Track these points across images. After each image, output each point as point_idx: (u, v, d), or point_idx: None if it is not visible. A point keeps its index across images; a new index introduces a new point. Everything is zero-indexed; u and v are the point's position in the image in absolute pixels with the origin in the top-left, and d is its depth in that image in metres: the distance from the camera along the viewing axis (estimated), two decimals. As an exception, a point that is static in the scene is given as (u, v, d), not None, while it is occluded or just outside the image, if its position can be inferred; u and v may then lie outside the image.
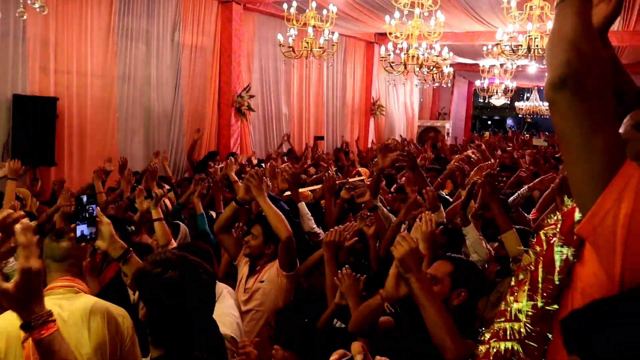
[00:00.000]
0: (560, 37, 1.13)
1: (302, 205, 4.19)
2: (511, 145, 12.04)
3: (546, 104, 18.31)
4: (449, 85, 13.25)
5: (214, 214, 4.76)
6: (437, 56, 8.39)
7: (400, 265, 1.99)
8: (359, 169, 7.68)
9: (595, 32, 1.17)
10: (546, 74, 1.19)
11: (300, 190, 5.60)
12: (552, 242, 1.34)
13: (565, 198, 1.42)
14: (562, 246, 1.29)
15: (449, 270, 2.25)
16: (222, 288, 2.79)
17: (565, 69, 1.11)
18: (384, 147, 4.35)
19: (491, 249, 3.65)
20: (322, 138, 11.41)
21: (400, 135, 15.83)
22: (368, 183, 4.70)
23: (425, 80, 10.88)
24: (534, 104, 20.10)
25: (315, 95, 12.32)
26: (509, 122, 46.90)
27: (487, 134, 13.61)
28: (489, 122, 47.18)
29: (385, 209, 4.17)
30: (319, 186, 5.56)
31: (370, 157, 10.15)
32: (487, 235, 3.74)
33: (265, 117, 10.62)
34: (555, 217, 1.39)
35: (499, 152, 10.55)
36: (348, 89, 13.53)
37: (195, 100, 8.88)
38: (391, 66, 7.68)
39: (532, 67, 11.85)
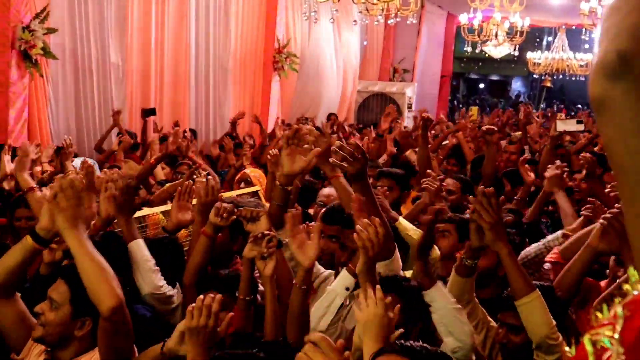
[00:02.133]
0: None
1: (137, 245, 4.23)
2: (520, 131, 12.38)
3: (580, 57, 19.29)
4: (414, 20, 13.42)
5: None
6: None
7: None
8: (249, 170, 7.74)
9: None
10: (595, 50, 1.15)
11: (145, 212, 5.49)
12: (605, 358, 1.29)
13: (631, 270, 1.38)
14: None
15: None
16: None
17: (632, 42, 1.06)
18: (294, 134, 4.38)
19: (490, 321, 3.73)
20: (152, 112, 11.30)
21: (334, 116, 15.92)
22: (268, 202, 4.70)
23: (368, 11, 10.94)
24: (560, 55, 20.75)
25: (174, 38, 12.36)
26: (516, 86, 48.44)
27: (473, 110, 13.87)
28: (481, 86, 48.41)
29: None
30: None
31: (273, 149, 10.16)
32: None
33: (78, 71, 10.48)
34: (611, 311, 1.34)
35: (504, 144, 10.79)
36: (233, 26, 13.64)
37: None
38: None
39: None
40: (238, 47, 13.92)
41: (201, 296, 3.08)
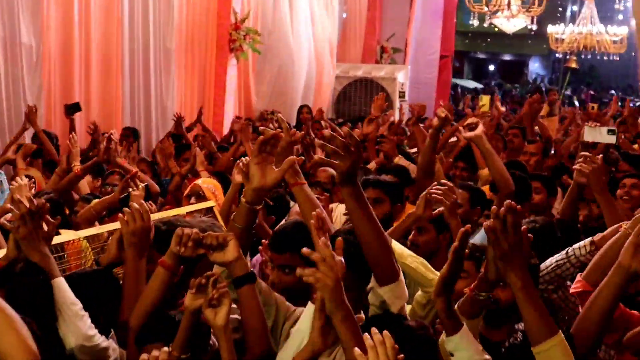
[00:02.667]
0: None
1: (58, 285, 4.14)
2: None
3: (613, 31, 19.52)
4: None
5: None
6: None
7: None
8: (201, 180, 7.74)
9: None
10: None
11: (64, 238, 5.39)
12: None
13: None
14: None
15: None
16: None
17: None
18: (268, 139, 4.28)
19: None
20: (77, 107, 11.21)
21: (306, 108, 15.90)
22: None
23: None
24: (589, 29, 20.94)
25: (103, 11, 12.32)
26: (534, 67, 48.40)
27: (484, 99, 13.72)
28: (491, 68, 48.38)
29: (272, 292, 4.19)
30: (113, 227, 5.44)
31: (233, 155, 10.20)
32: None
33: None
34: None
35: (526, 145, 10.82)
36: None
37: None
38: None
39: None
40: (184, 21, 13.85)
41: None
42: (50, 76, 11.51)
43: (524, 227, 3.55)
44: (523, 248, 3.48)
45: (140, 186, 6.98)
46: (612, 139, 8.10)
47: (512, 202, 3.52)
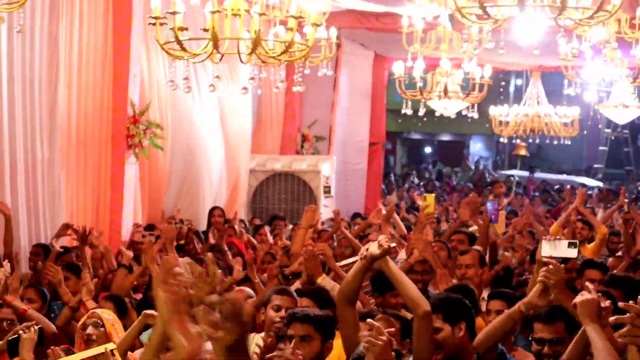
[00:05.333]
0: None
1: None
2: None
3: (564, 112, 19.57)
4: (328, 72, 13.34)
5: None
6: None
7: None
8: (100, 312, 7.71)
9: None
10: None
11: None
12: None
13: None
14: None
15: None
16: None
17: None
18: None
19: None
20: None
21: (219, 210, 16.00)
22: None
23: (264, 62, 11.24)
24: (535, 110, 21.41)
25: None
26: (476, 149, 48.30)
27: (429, 199, 13.71)
28: (428, 150, 48.35)
29: None
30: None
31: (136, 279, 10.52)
32: None
33: None
34: None
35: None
36: (63, 86, 13.53)
37: None
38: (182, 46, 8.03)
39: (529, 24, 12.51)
40: (73, 116, 13.71)
41: None
42: None
43: None
44: None
45: (32, 329, 6.95)
46: (573, 253, 8.02)
47: None
